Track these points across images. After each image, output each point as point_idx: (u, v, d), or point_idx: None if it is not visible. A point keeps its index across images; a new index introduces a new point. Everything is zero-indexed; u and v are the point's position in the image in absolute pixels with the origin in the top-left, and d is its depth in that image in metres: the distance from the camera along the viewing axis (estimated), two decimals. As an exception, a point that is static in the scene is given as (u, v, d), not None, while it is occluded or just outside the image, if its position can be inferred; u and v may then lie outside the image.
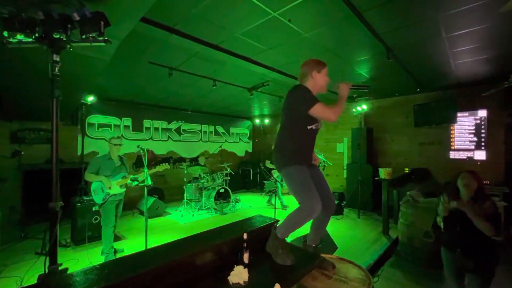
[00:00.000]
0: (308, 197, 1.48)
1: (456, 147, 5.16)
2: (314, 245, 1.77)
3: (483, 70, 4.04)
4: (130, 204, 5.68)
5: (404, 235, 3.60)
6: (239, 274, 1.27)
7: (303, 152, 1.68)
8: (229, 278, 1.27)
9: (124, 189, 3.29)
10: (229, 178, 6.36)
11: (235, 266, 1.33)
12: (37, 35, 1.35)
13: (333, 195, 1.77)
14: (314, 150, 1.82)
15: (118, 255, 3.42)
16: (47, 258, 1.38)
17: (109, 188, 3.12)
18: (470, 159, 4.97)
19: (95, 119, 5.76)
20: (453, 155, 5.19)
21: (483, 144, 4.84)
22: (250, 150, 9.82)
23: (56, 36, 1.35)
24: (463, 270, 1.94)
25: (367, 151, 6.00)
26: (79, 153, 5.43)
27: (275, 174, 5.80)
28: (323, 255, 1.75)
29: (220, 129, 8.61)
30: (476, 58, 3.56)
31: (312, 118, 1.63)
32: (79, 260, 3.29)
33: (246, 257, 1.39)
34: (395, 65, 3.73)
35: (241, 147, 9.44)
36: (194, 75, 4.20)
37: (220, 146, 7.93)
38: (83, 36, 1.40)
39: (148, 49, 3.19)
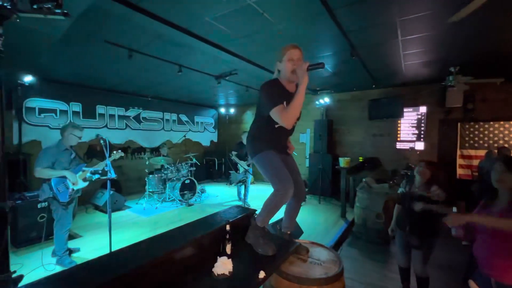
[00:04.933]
0: (280, 178, 1.50)
1: (401, 138, 5.88)
2: (289, 232, 1.85)
3: (425, 71, 4.62)
4: (81, 198, 5.13)
5: (359, 217, 4.02)
6: (223, 265, 1.28)
7: (274, 140, 1.68)
8: (213, 269, 1.27)
9: (86, 183, 2.96)
10: (194, 168, 6.19)
11: (218, 257, 1.33)
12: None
13: (304, 184, 1.80)
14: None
15: (74, 255, 3.12)
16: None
17: (75, 184, 2.76)
18: (412, 149, 5.72)
19: (35, 103, 4.95)
20: (399, 145, 5.90)
21: (422, 136, 5.61)
22: (215, 140, 9.65)
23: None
24: (410, 246, 2.27)
25: (327, 141, 6.43)
26: (15, 142, 4.65)
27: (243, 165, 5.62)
28: (296, 240, 1.86)
29: (183, 117, 8.24)
30: (422, 61, 4.04)
31: None
32: (24, 265, 2.89)
33: (228, 248, 1.39)
34: (356, 62, 4.01)
35: (206, 136, 9.21)
36: (157, 58, 3.87)
37: (184, 136, 7.61)
38: (35, 6, 1.17)
39: (105, 26, 2.82)
